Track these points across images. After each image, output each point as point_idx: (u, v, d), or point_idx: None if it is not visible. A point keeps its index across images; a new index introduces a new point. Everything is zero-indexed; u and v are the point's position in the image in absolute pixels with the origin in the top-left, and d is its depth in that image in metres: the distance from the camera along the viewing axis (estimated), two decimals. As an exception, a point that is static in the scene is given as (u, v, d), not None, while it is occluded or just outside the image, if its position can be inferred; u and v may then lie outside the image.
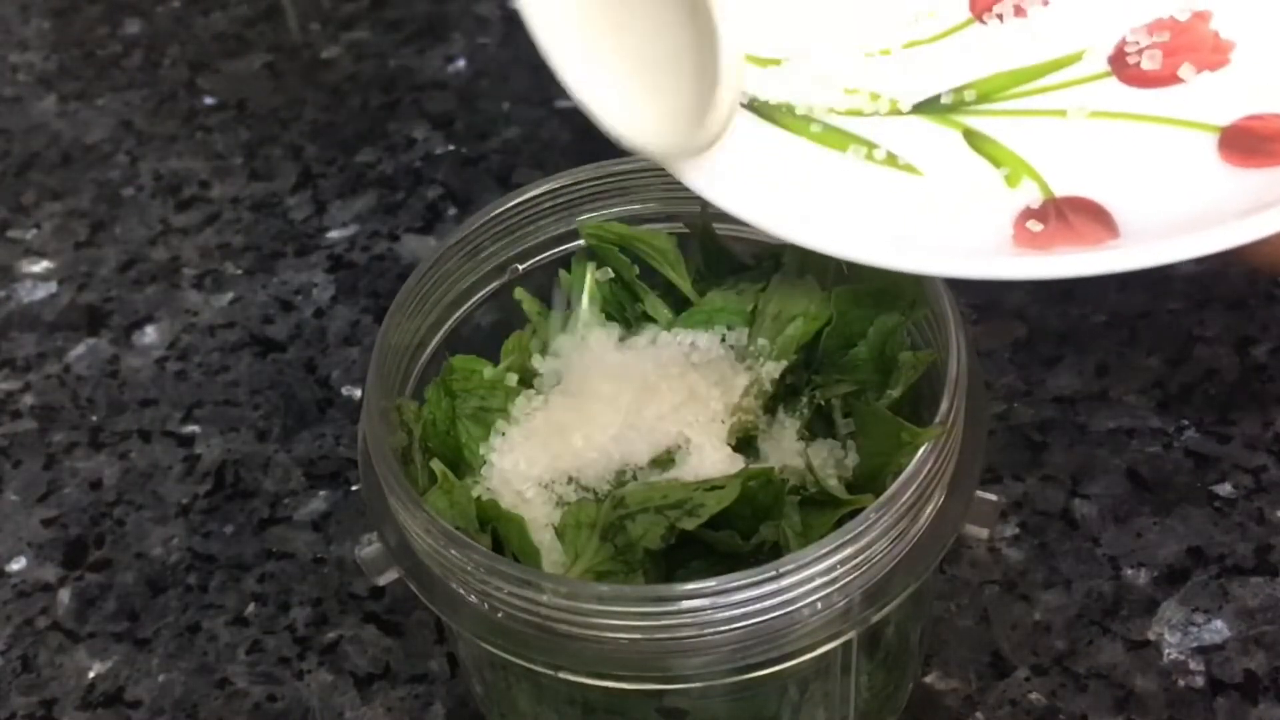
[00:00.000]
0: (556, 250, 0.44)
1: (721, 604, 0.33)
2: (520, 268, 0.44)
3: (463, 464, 0.41)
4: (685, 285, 0.43)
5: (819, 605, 0.34)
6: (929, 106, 0.38)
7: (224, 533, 0.52)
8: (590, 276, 0.43)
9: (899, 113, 0.39)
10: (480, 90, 0.72)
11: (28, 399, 0.58)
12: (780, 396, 0.41)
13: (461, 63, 0.74)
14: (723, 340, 0.42)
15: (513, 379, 0.42)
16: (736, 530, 0.36)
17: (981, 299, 0.55)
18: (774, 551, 0.36)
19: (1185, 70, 0.37)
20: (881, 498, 0.34)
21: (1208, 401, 0.51)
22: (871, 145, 0.37)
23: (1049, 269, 0.32)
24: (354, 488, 0.53)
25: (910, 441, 0.35)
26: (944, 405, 0.36)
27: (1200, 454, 0.50)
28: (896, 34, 0.41)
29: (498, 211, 0.43)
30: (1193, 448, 0.50)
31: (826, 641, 0.34)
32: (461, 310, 0.43)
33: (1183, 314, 0.55)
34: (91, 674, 0.48)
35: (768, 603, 0.33)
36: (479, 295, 0.43)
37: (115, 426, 0.57)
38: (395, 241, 0.64)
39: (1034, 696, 0.44)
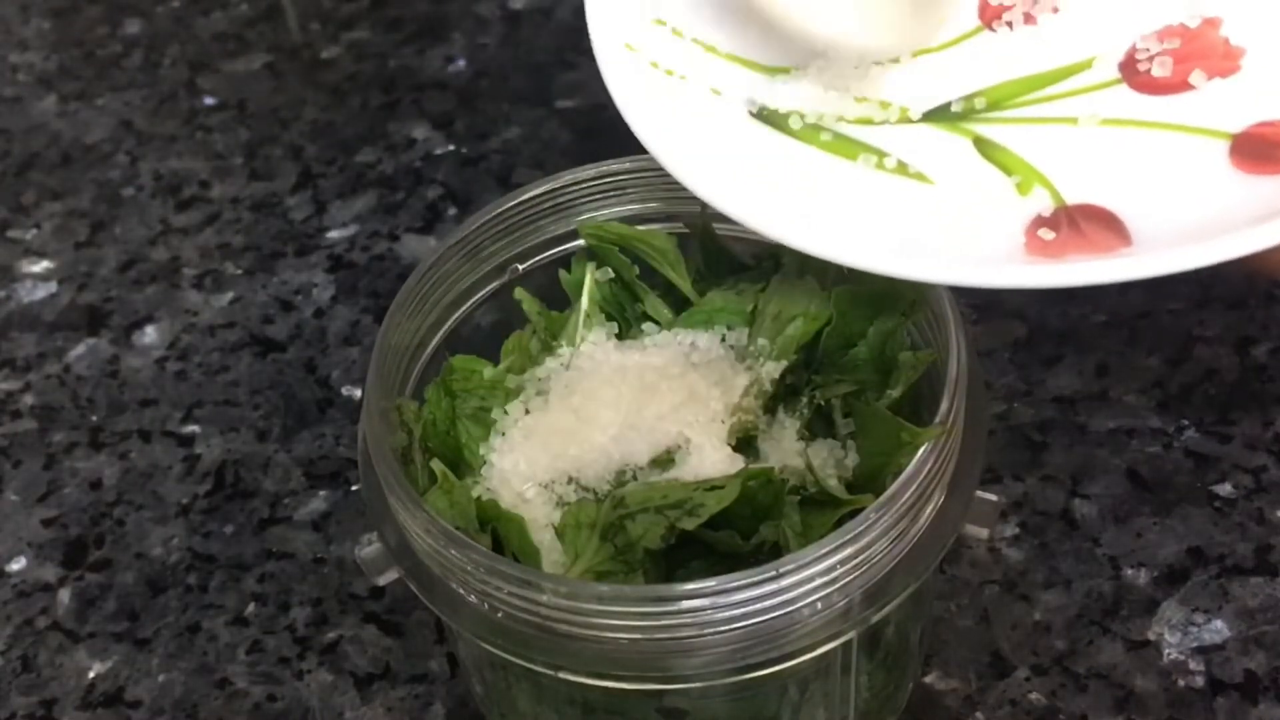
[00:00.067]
0: (556, 250, 0.44)
1: (721, 604, 0.33)
2: (520, 268, 0.44)
3: (463, 464, 0.41)
4: (685, 285, 0.43)
5: (819, 605, 0.34)
6: (939, 115, 0.38)
7: (224, 533, 0.52)
8: (590, 276, 0.44)
9: (909, 121, 0.39)
10: (480, 90, 0.72)
11: (28, 399, 0.58)
12: (780, 396, 0.41)
13: (461, 63, 0.74)
14: (723, 340, 0.42)
15: (513, 379, 0.42)
16: (736, 530, 0.36)
17: (981, 299, 0.55)
18: (774, 551, 0.36)
19: (1196, 77, 0.37)
20: (881, 498, 0.34)
21: (1208, 401, 0.51)
22: (882, 154, 0.37)
23: (1062, 277, 0.32)
24: (354, 488, 0.53)
25: (910, 441, 0.35)
26: (944, 405, 0.36)
27: (1200, 454, 0.50)
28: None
29: (498, 211, 0.43)
30: (1193, 448, 0.50)
31: (826, 641, 0.34)
32: (461, 310, 0.43)
33: (1183, 314, 0.55)
34: (91, 674, 0.48)
35: (768, 603, 0.33)
36: (479, 295, 0.43)
37: (115, 426, 0.57)
38: (395, 241, 0.64)
39: (1034, 696, 0.44)
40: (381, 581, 0.38)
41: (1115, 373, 0.53)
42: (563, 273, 0.44)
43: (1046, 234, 0.34)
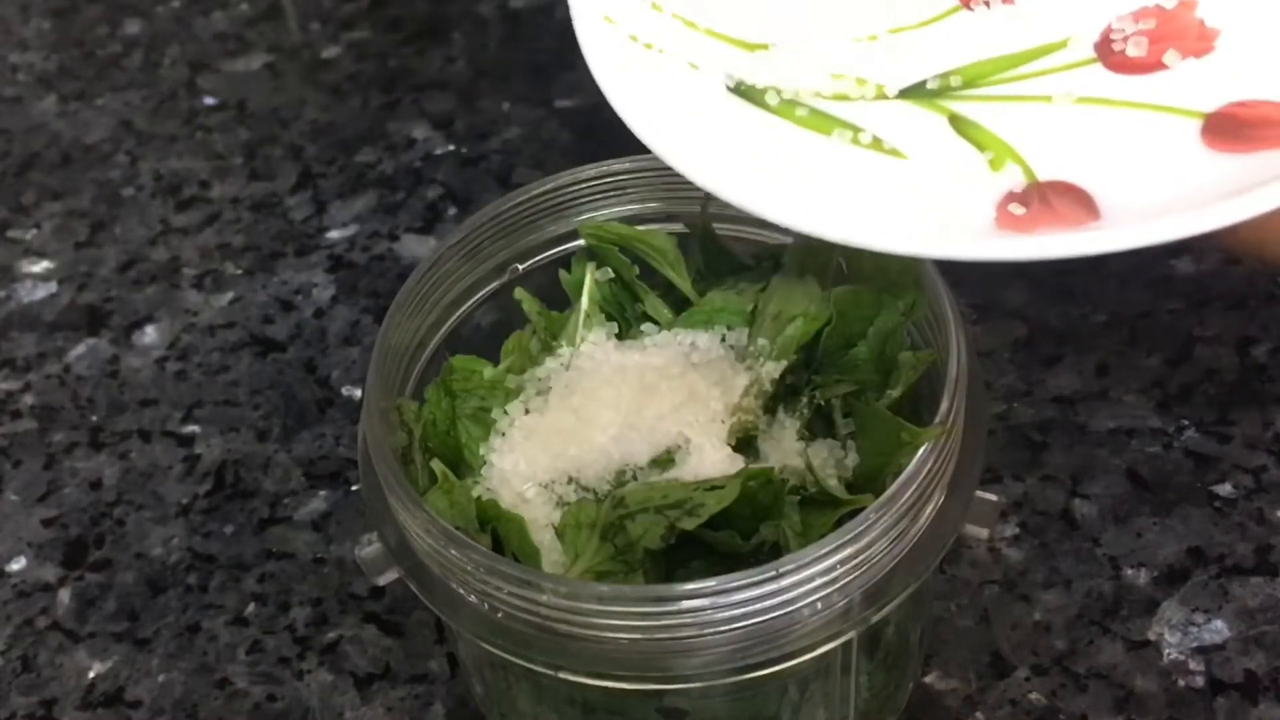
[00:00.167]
0: (556, 250, 0.44)
1: (721, 604, 0.33)
2: (520, 268, 0.44)
3: (463, 464, 0.41)
4: (685, 285, 0.43)
5: (819, 605, 0.34)
6: (915, 91, 0.39)
7: (224, 533, 0.52)
8: (590, 276, 0.43)
9: (885, 98, 0.39)
10: (480, 90, 0.72)
11: (28, 399, 0.58)
12: (780, 396, 0.41)
13: (461, 63, 0.74)
14: (723, 340, 0.42)
15: (513, 379, 0.42)
16: (736, 530, 0.36)
17: (981, 299, 0.55)
18: (774, 551, 0.36)
19: (1170, 57, 0.37)
20: (881, 498, 0.34)
21: (1208, 401, 0.51)
22: (857, 129, 0.38)
23: (1030, 250, 0.32)
24: (354, 488, 0.53)
25: (910, 441, 0.35)
26: (944, 405, 0.36)
27: (1200, 454, 0.50)
28: (883, 19, 0.41)
29: (498, 211, 0.43)
30: (1193, 448, 0.50)
31: (826, 641, 0.34)
32: (461, 310, 0.43)
33: (1183, 314, 0.55)
34: (91, 674, 0.48)
35: (768, 603, 0.33)
36: (479, 295, 0.43)
37: (115, 426, 0.57)
38: (395, 241, 0.64)
39: (1034, 696, 0.44)
40: (381, 581, 0.38)
41: (1115, 373, 0.53)
42: (563, 273, 0.44)
43: (1017, 209, 0.34)
